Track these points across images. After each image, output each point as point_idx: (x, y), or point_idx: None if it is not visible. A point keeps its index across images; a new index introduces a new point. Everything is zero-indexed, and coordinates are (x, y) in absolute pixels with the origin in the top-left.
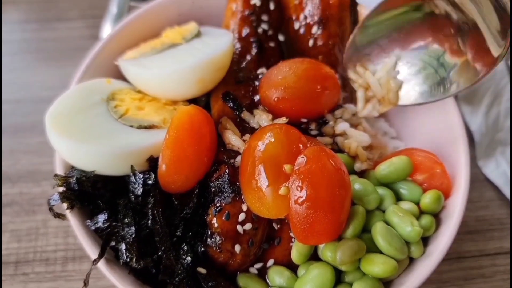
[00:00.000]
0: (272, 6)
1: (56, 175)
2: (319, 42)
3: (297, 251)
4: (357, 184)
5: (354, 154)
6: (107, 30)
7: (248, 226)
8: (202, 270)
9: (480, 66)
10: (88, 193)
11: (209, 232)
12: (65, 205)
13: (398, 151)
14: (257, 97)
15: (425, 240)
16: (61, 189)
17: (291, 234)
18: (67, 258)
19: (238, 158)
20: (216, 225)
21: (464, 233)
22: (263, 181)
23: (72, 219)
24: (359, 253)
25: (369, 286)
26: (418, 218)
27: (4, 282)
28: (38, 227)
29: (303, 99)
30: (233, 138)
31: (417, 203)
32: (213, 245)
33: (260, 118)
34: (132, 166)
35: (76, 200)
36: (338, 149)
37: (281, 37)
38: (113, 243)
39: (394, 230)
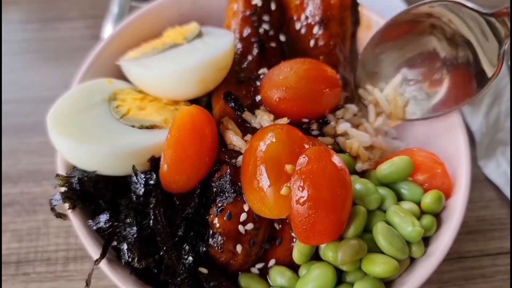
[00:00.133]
0: (273, 6)
1: (58, 175)
2: (320, 42)
3: (298, 251)
4: (358, 184)
5: (355, 154)
6: (108, 30)
7: (249, 226)
8: (203, 270)
9: (475, 84)
10: (90, 193)
11: (211, 232)
12: (67, 205)
13: (399, 151)
14: (258, 97)
15: (426, 240)
16: (62, 189)
17: (293, 234)
18: (68, 258)
19: (240, 158)
20: (217, 225)
21: (464, 233)
22: (264, 181)
23: (74, 219)
24: (360, 253)
25: (370, 286)
26: (419, 218)
27: (5, 282)
28: (39, 227)
29: (304, 99)
30: (234, 138)
31: (418, 203)
32: (215, 245)
33: (262, 119)
34: (133, 166)
35: (78, 200)
36: (340, 149)
37: (282, 37)
38: (114, 243)
39: (395, 230)
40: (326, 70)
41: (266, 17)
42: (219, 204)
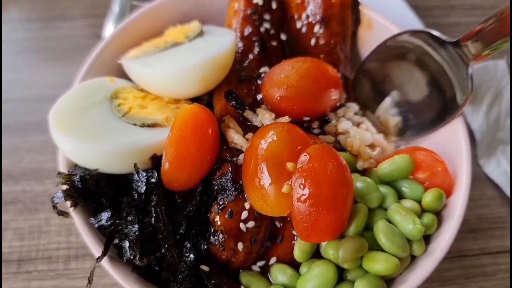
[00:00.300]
0: (274, 5)
1: (59, 173)
2: (321, 41)
3: (299, 249)
4: (359, 183)
5: (356, 152)
6: (109, 29)
7: (250, 224)
8: (205, 268)
9: (451, 107)
10: (92, 191)
11: (212, 230)
12: (68, 203)
13: (399, 149)
14: (259, 96)
15: (426, 238)
16: (64, 187)
17: (294, 232)
18: (69, 256)
19: (241, 156)
20: (219, 223)
21: (465, 232)
22: (265, 179)
23: (76, 217)
24: (361, 251)
25: (371, 284)
26: (419, 216)
27: (7, 280)
28: (41, 225)
29: (305, 97)
30: (235, 137)
31: (419, 201)
32: (216, 243)
33: (263, 117)
34: (135, 164)
35: (79, 198)
36: (341, 148)
37: (283, 36)
38: (116, 240)
39: (396, 228)
40: (327, 68)
41: (267, 16)
42: (221, 202)
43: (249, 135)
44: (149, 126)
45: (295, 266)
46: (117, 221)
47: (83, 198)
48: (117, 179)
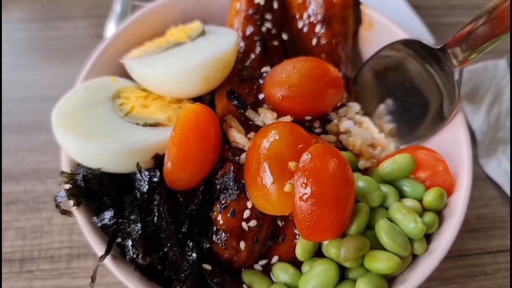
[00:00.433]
0: (275, 5)
1: (62, 172)
2: (323, 41)
3: (301, 248)
4: (361, 182)
5: (358, 151)
6: (111, 29)
7: (253, 223)
8: (207, 267)
9: (444, 112)
10: (94, 190)
11: (214, 229)
12: (71, 202)
13: (401, 149)
14: (261, 96)
15: (428, 237)
16: (67, 186)
17: (296, 231)
18: (71, 255)
19: (243, 155)
20: (221, 222)
21: (465, 231)
22: (268, 178)
23: (79, 216)
24: (362, 249)
25: (373, 283)
26: (421, 215)
27: (10, 279)
28: (43, 224)
29: (307, 97)
30: (237, 136)
31: (420, 201)
32: (218, 241)
33: (265, 117)
34: (137, 163)
35: (82, 197)
36: (342, 147)
37: (284, 36)
38: (119, 239)
39: (397, 227)
40: (328, 68)
41: (268, 16)
42: (223, 201)
43: (251, 134)
44: (151, 125)
45: (297, 264)
46: (120, 220)
47: (86, 197)
48: (120, 178)
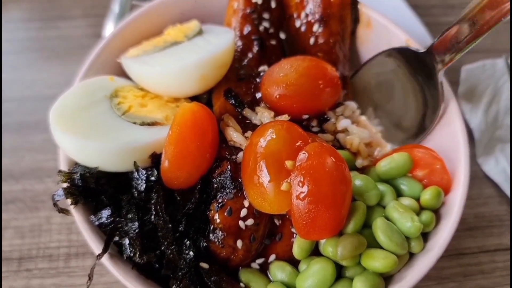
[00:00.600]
0: (273, 4)
1: (60, 171)
2: (320, 40)
3: (298, 247)
4: (358, 180)
5: (355, 150)
6: (109, 28)
7: (250, 221)
8: (204, 265)
9: (430, 115)
10: (92, 189)
11: (211, 228)
12: (69, 200)
13: (398, 147)
14: (258, 94)
15: (425, 236)
16: (65, 184)
17: (293, 230)
18: (70, 254)
19: (240, 154)
20: (218, 220)
21: (463, 230)
22: (264, 177)
23: (76, 215)
24: (359, 248)
25: (370, 281)
26: (418, 213)
27: (8, 278)
28: (41, 223)
29: (304, 96)
30: (235, 135)
31: (417, 199)
32: (215, 240)
33: (262, 115)
34: (135, 162)
35: (80, 195)
36: (340, 146)
37: (282, 35)
38: (116, 238)
39: (394, 226)
40: (326, 67)
41: (266, 15)
42: (220, 200)
43: (248, 133)
44: (149, 124)
45: (294, 263)
46: (117, 219)
47: (83, 196)
48: (117, 177)
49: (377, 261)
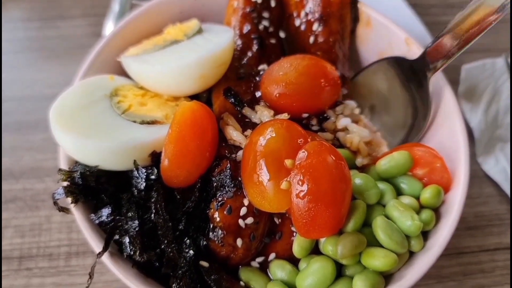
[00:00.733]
0: (273, 3)
1: (60, 169)
2: (320, 39)
3: (298, 245)
4: (358, 179)
5: (355, 149)
6: (109, 28)
7: (249, 220)
8: (204, 264)
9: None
10: (92, 187)
11: (211, 226)
12: (69, 199)
13: (398, 146)
14: (258, 93)
15: (425, 234)
16: (65, 183)
17: (292, 228)
18: (70, 253)
19: (240, 153)
20: (218, 219)
21: (463, 229)
22: (264, 176)
23: (76, 213)
24: (359, 247)
25: (370, 279)
26: (418, 212)
27: (8, 277)
28: (42, 222)
29: (304, 95)
30: (234, 134)
31: (417, 198)
32: (215, 239)
33: (262, 114)
34: (135, 161)
35: (80, 194)
36: (340, 145)
37: (282, 34)
38: (116, 236)
39: (394, 224)
40: (325, 66)
41: (266, 14)
42: (220, 199)
43: (248, 132)
44: (148, 123)
45: (294, 262)
46: (117, 217)
47: (83, 195)
48: (117, 176)
49: (377, 259)
